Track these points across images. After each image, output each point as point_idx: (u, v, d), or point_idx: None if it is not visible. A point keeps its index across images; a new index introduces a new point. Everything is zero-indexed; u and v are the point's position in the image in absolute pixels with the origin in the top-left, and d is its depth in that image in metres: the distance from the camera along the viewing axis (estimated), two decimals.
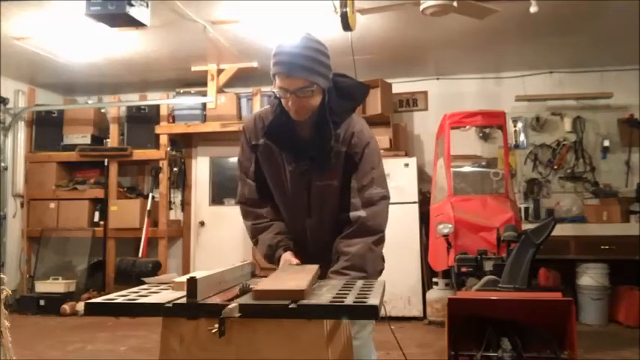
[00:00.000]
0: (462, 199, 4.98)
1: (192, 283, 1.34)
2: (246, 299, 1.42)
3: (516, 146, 6.40)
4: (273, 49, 1.83)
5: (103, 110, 7.16)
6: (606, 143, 6.22)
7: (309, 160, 1.90)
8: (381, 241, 1.93)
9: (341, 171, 1.92)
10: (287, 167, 1.95)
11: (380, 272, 2.08)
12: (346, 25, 4.05)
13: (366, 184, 1.90)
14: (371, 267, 1.87)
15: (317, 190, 1.95)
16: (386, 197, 1.95)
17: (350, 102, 1.96)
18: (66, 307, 6.05)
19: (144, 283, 1.68)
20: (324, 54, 1.84)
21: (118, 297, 1.44)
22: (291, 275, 1.68)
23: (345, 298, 1.41)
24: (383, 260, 2.10)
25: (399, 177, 5.78)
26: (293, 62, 1.77)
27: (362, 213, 1.88)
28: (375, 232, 1.90)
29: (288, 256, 1.99)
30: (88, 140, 6.81)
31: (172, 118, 6.72)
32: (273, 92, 1.90)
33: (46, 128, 6.93)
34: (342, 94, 1.92)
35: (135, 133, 6.78)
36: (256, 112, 2.12)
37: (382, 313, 1.42)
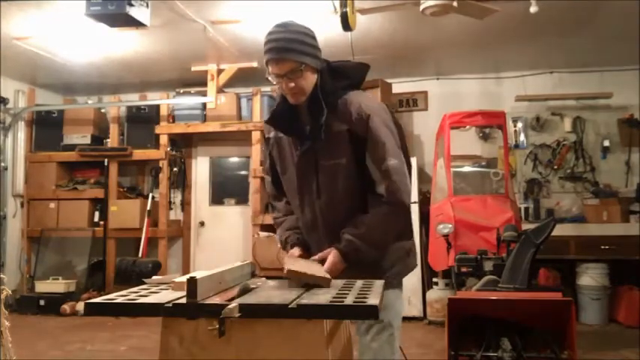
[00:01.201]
0: (462, 199, 4.98)
1: (192, 283, 1.34)
2: (246, 299, 1.42)
3: (516, 146, 6.40)
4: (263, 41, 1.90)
5: (103, 110, 7.16)
6: (606, 143, 6.22)
7: (309, 142, 1.95)
8: (397, 213, 1.93)
9: (348, 149, 1.92)
10: (294, 152, 2.01)
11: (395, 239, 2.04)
12: (346, 25, 4.05)
13: (379, 157, 1.90)
14: (379, 237, 1.91)
15: (325, 170, 1.96)
16: (402, 167, 1.94)
17: (344, 80, 1.98)
18: (66, 307, 6.05)
19: (144, 283, 1.68)
20: (309, 35, 1.91)
21: (118, 297, 1.44)
22: (304, 266, 1.74)
23: (345, 298, 1.41)
24: (410, 231, 2.12)
25: None
26: (279, 47, 1.84)
27: (383, 188, 1.89)
28: (396, 203, 1.90)
29: (291, 252, 2.06)
30: (88, 140, 6.81)
31: (172, 118, 6.73)
32: (267, 78, 1.96)
33: (46, 128, 6.93)
34: (336, 74, 1.97)
35: (135, 133, 6.78)
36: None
37: None
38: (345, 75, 1.99)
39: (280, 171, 2.10)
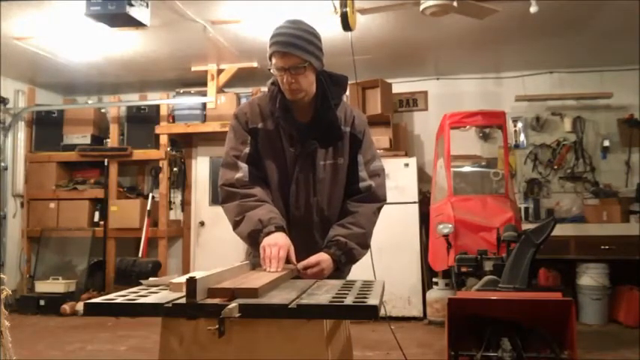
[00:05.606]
0: (462, 199, 4.98)
1: (191, 283, 1.34)
2: (246, 299, 1.42)
3: (516, 146, 6.40)
4: (271, 33, 1.97)
5: (103, 110, 7.16)
6: (606, 143, 6.22)
7: (316, 141, 2.02)
8: (381, 209, 2.15)
9: (347, 150, 2.08)
10: (289, 149, 2.03)
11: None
12: (346, 25, 4.05)
13: (370, 158, 2.12)
14: (369, 227, 2.08)
15: (324, 169, 2.05)
16: (384, 170, 2.18)
17: (341, 88, 2.11)
18: (66, 307, 6.05)
19: (142, 284, 1.68)
20: (316, 37, 2.00)
21: (118, 297, 1.44)
22: (255, 276, 1.65)
23: (345, 298, 1.41)
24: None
25: (399, 177, 5.78)
26: (288, 41, 1.91)
27: (371, 183, 2.09)
28: (380, 199, 2.12)
29: (275, 237, 1.89)
30: (88, 140, 6.81)
31: (172, 118, 6.72)
32: (271, 82, 2.04)
33: (46, 128, 6.94)
34: (333, 80, 2.08)
35: (135, 133, 6.79)
36: (252, 98, 2.23)
37: (382, 313, 1.43)
38: (340, 83, 2.11)
39: (269, 163, 2.05)
